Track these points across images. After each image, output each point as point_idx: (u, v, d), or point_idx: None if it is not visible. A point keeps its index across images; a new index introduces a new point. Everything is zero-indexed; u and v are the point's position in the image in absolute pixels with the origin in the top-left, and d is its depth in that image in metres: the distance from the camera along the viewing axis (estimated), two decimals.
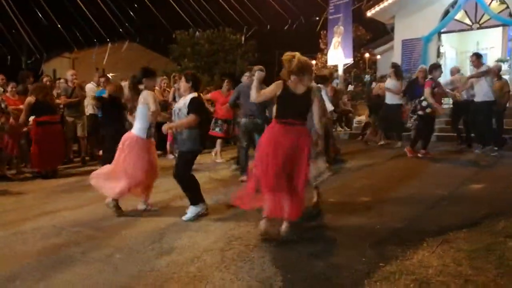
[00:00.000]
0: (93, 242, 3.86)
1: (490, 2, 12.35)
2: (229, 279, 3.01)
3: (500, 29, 13.11)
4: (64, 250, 3.68)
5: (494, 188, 5.52)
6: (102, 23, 16.63)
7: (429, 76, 7.96)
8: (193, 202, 4.52)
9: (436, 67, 8.05)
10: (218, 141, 8.65)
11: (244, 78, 6.70)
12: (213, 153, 8.76)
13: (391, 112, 9.36)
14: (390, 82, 9.40)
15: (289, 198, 3.75)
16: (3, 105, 7.01)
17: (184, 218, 4.44)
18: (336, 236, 3.86)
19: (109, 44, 18.10)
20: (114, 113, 6.89)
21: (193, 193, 4.56)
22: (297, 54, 3.79)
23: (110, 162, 4.79)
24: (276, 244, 3.66)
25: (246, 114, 6.35)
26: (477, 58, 8.13)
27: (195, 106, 4.44)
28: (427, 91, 7.69)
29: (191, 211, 4.48)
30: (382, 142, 10.10)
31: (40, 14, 15.58)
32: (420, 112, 7.93)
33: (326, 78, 6.24)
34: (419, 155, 8.06)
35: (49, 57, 25.26)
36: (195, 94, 4.53)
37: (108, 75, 8.62)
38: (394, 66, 9.81)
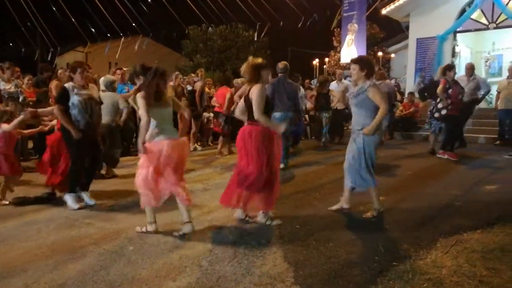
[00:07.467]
0: (106, 233, 3.89)
1: (508, 2, 12.15)
2: (240, 273, 3.01)
3: None
4: (77, 241, 3.72)
5: (508, 189, 5.43)
6: (115, 18, 16.77)
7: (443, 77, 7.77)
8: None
9: (450, 68, 7.75)
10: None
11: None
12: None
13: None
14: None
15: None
16: (21, 97, 7.06)
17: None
18: (347, 234, 3.84)
19: (122, 39, 18.18)
20: None
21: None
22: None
23: None
24: (288, 240, 3.66)
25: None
26: None
27: None
28: (439, 88, 7.50)
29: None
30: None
31: (54, 8, 15.75)
32: (436, 115, 7.77)
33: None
34: (439, 155, 7.88)
35: (63, 51, 25.52)
36: None
37: (124, 69, 8.58)
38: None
